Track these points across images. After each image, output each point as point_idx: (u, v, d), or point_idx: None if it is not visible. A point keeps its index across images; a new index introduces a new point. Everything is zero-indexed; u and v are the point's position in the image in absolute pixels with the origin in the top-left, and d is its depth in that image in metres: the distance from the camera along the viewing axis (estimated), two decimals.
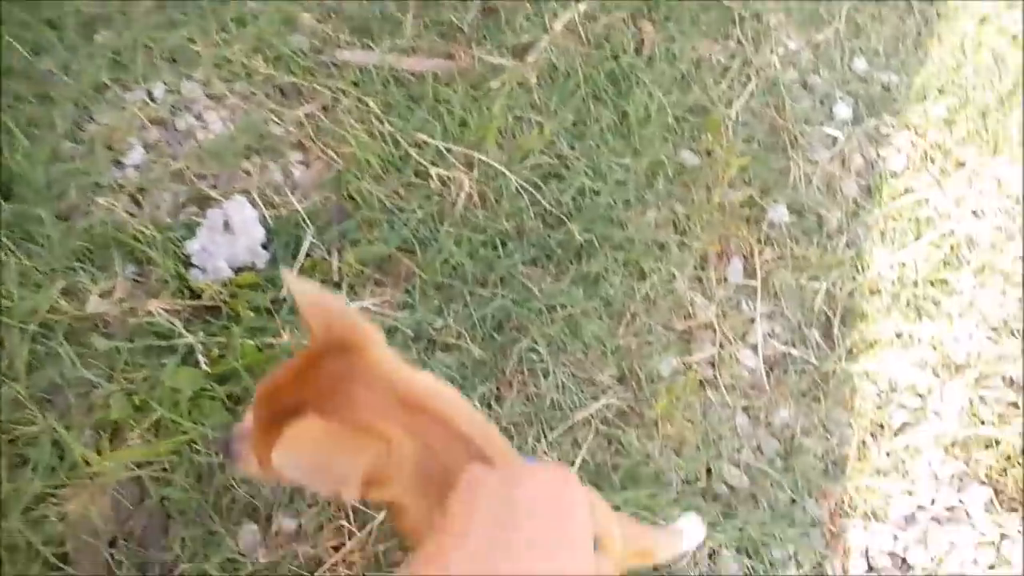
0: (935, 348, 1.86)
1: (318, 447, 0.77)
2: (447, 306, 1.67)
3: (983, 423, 1.76)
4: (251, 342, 1.52)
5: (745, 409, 1.70)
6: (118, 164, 1.73)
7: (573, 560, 0.60)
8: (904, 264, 1.99)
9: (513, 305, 1.68)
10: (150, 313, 1.53)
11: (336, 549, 1.43)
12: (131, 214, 1.65)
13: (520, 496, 0.63)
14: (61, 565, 1.37)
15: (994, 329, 1.91)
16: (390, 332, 1.61)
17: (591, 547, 0.64)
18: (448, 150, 1.83)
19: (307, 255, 1.67)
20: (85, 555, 1.39)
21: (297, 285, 0.85)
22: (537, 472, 0.67)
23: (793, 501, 1.61)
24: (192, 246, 1.61)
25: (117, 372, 1.48)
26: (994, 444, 1.74)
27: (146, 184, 1.70)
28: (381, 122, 1.84)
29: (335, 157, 1.81)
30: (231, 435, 0.97)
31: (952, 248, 2.04)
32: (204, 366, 1.49)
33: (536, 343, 1.66)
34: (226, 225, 1.63)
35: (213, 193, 1.72)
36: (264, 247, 1.66)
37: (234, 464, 0.97)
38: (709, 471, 1.61)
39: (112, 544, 1.42)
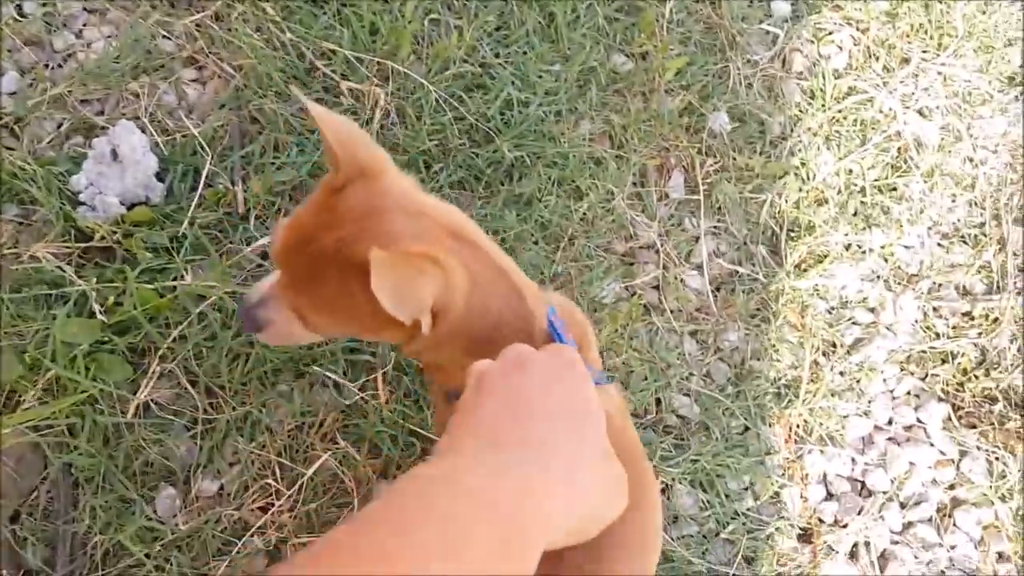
0: (886, 260, 1.89)
1: (397, 276, 0.76)
2: None
3: (938, 336, 1.81)
4: (149, 286, 1.44)
5: (693, 334, 1.71)
6: None
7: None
8: (851, 171, 2.01)
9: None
10: (36, 259, 1.43)
11: (264, 510, 1.40)
12: (9, 148, 1.51)
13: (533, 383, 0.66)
14: None
15: (945, 236, 1.95)
16: None
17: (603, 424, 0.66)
18: (359, 60, 1.73)
19: (207, 184, 1.57)
20: None
21: (318, 109, 0.82)
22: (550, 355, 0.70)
23: (746, 429, 1.64)
24: (78, 182, 1.50)
25: (3, 326, 1.38)
26: (950, 358, 1.80)
27: (23, 113, 1.57)
28: (282, 30, 1.72)
29: (232, 72, 1.69)
30: (249, 303, 0.93)
31: (899, 151, 2.05)
32: (100, 315, 1.40)
33: None
34: (114, 155, 1.52)
35: (99, 120, 1.60)
36: (159, 178, 1.55)
37: (262, 332, 0.95)
38: (659, 402, 1.62)
39: (15, 520, 1.36)
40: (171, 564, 1.35)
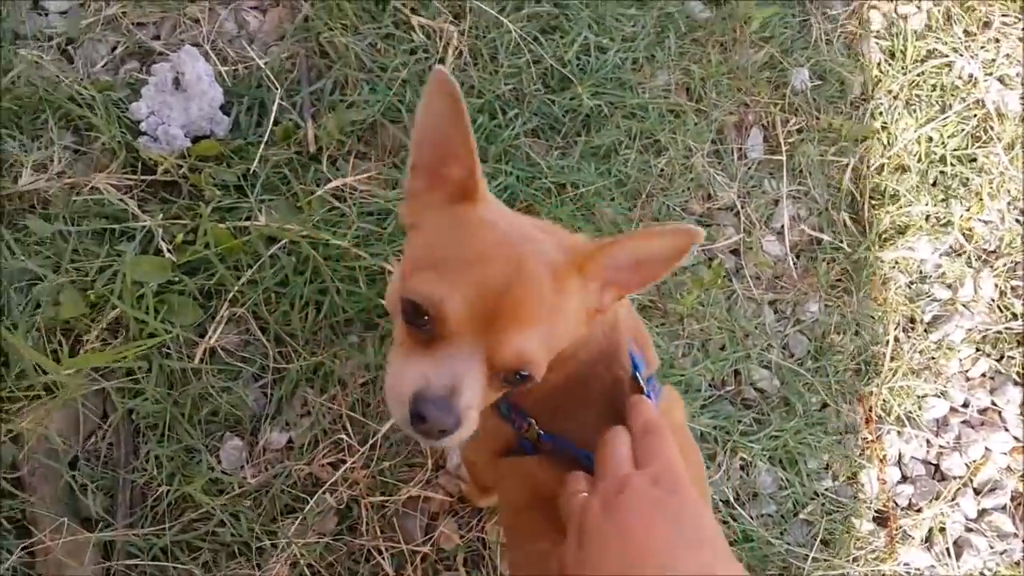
0: (965, 235, 1.98)
1: None
2: None
3: (1015, 316, 1.91)
4: (222, 225, 1.49)
5: (772, 303, 1.80)
6: (40, 10, 1.61)
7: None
8: (931, 139, 2.09)
9: (519, 183, 1.69)
10: (96, 190, 1.48)
11: (335, 467, 1.47)
12: (62, 71, 1.55)
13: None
14: (15, 491, 1.37)
15: None
16: (378, 216, 1.60)
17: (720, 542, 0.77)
18: None
19: (275, 121, 1.61)
20: (43, 479, 1.39)
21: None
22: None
23: (825, 406, 1.74)
24: (139, 110, 1.54)
25: (65, 261, 1.43)
26: None
27: (75, 34, 1.60)
28: None
29: (299, 1, 1.73)
30: (441, 394, 0.78)
31: (980, 120, 2.14)
32: (168, 254, 1.45)
33: None
34: (176, 83, 1.56)
35: (156, 45, 1.63)
36: (223, 111, 1.60)
37: (460, 428, 0.81)
38: (737, 374, 1.71)
39: (73, 466, 1.42)
40: (239, 519, 1.42)
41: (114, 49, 1.62)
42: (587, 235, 0.92)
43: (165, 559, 1.40)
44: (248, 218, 1.52)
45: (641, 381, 0.95)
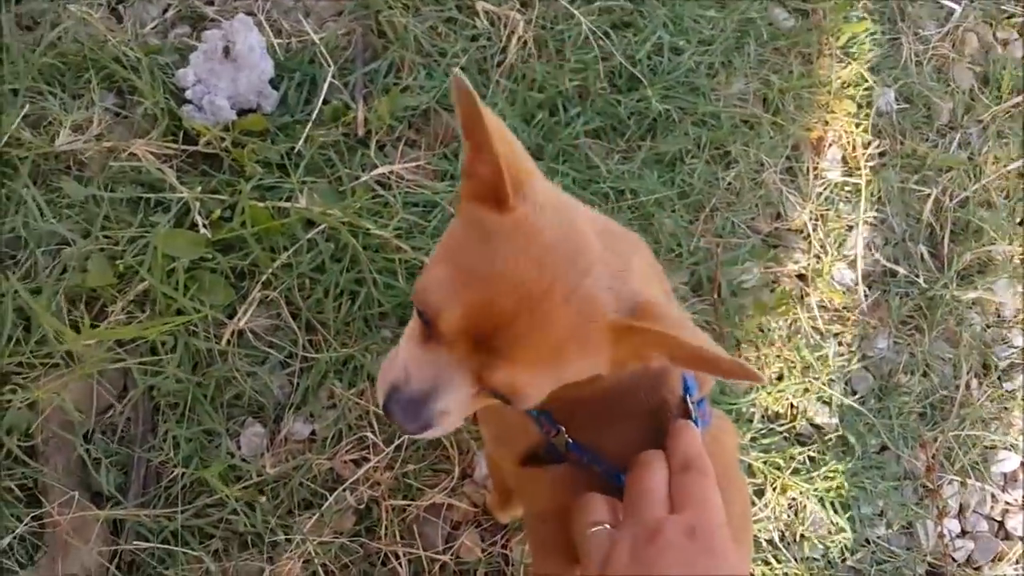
0: None
1: None
2: None
3: None
4: (260, 205, 1.49)
5: (837, 335, 1.74)
6: None
7: None
8: (1022, 175, 2.02)
9: (574, 185, 1.67)
10: (135, 156, 1.49)
11: (357, 464, 1.46)
12: (110, 30, 1.56)
13: None
14: (27, 459, 1.38)
15: None
16: (425, 206, 1.59)
17: None
18: None
19: (325, 100, 1.61)
20: (56, 450, 1.40)
21: (494, 121, 0.76)
22: None
23: (885, 449, 1.68)
24: (185, 76, 1.55)
25: (95, 228, 1.44)
26: None
27: None
28: None
29: None
30: (416, 394, 0.79)
31: None
32: (204, 230, 1.46)
33: None
34: (227, 52, 1.56)
35: (209, 11, 1.64)
36: (273, 86, 1.60)
37: (431, 430, 0.82)
38: (793, 407, 1.66)
39: (88, 439, 1.43)
40: (255, 509, 1.42)
41: (165, 11, 1.64)
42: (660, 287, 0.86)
43: (175, 543, 1.40)
44: (288, 199, 1.52)
45: (691, 404, 0.91)
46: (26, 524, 1.35)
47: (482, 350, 0.74)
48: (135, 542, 1.39)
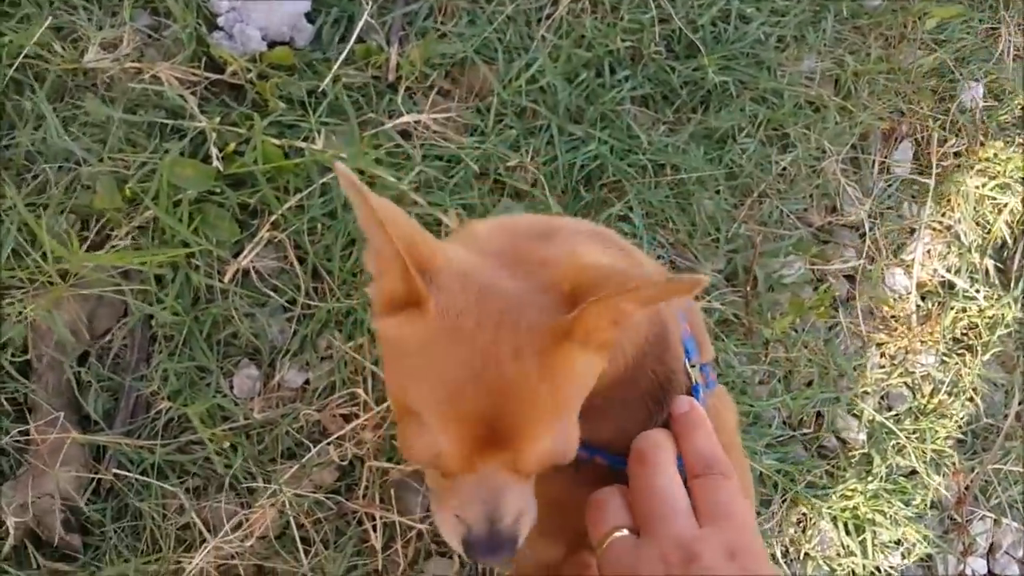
0: None
1: None
2: (526, 141, 1.58)
3: None
4: (276, 141, 1.45)
5: (880, 346, 1.64)
6: None
7: None
8: None
9: (611, 155, 1.59)
10: (157, 80, 1.46)
11: (346, 420, 1.42)
12: None
13: None
14: (18, 376, 1.38)
15: None
16: (449, 161, 1.53)
17: None
18: None
19: (359, 39, 1.56)
20: (49, 368, 1.40)
21: (379, 203, 0.67)
22: None
23: (914, 473, 1.57)
24: (219, 2, 1.52)
25: (107, 151, 1.43)
26: None
27: None
28: None
29: None
30: (504, 523, 0.75)
31: None
32: (216, 162, 1.42)
33: (631, 209, 1.58)
34: None
35: None
36: (308, 20, 1.55)
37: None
38: (819, 416, 1.56)
39: (82, 360, 1.43)
40: (237, 452, 1.40)
41: None
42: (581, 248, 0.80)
43: (154, 476, 1.39)
44: (307, 139, 1.47)
45: (694, 370, 0.87)
46: (11, 437, 1.36)
47: (497, 446, 0.70)
48: (116, 470, 1.39)
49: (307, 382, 1.46)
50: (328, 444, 1.42)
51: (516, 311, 0.69)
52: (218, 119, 1.47)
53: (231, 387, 1.44)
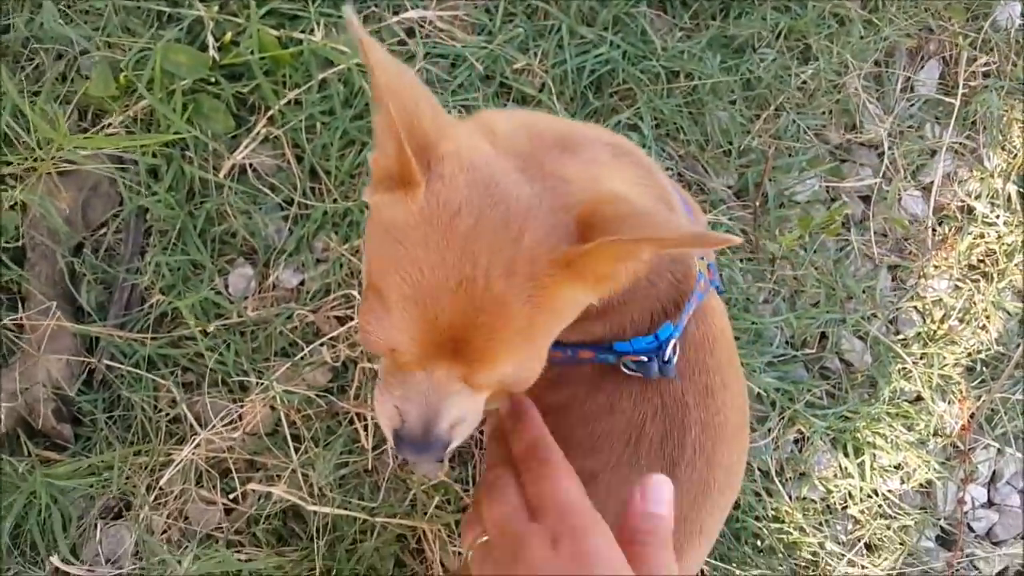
0: None
1: None
2: (535, 42, 1.52)
3: None
4: (274, 32, 1.40)
5: (892, 269, 1.58)
6: None
7: None
8: None
9: (623, 60, 1.52)
10: None
11: (341, 322, 1.40)
12: None
13: None
14: (11, 264, 1.37)
15: None
16: (453, 62, 1.48)
17: None
18: None
19: None
20: (42, 257, 1.39)
21: (378, 55, 0.64)
22: None
23: (919, 399, 1.54)
24: None
25: (107, 34, 1.39)
26: None
27: None
28: None
29: None
30: (434, 428, 0.73)
31: None
32: (213, 51, 1.38)
33: (641, 118, 1.52)
34: None
35: None
36: None
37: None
38: (823, 337, 1.53)
39: (77, 251, 1.41)
40: (228, 347, 1.38)
41: None
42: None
43: (148, 370, 1.38)
44: (305, 32, 1.42)
45: (702, 262, 0.85)
46: (2, 324, 1.35)
47: (456, 356, 0.68)
48: (108, 362, 1.38)
49: (302, 283, 1.43)
50: (321, 345, 1.40)
51: (521, 224, 0.65)
52: (216, 7, 1.42)
53: (226, 286, 1.42)
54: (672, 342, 0.83)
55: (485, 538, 0.70)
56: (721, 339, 0.89)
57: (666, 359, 0.83)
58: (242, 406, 1.38)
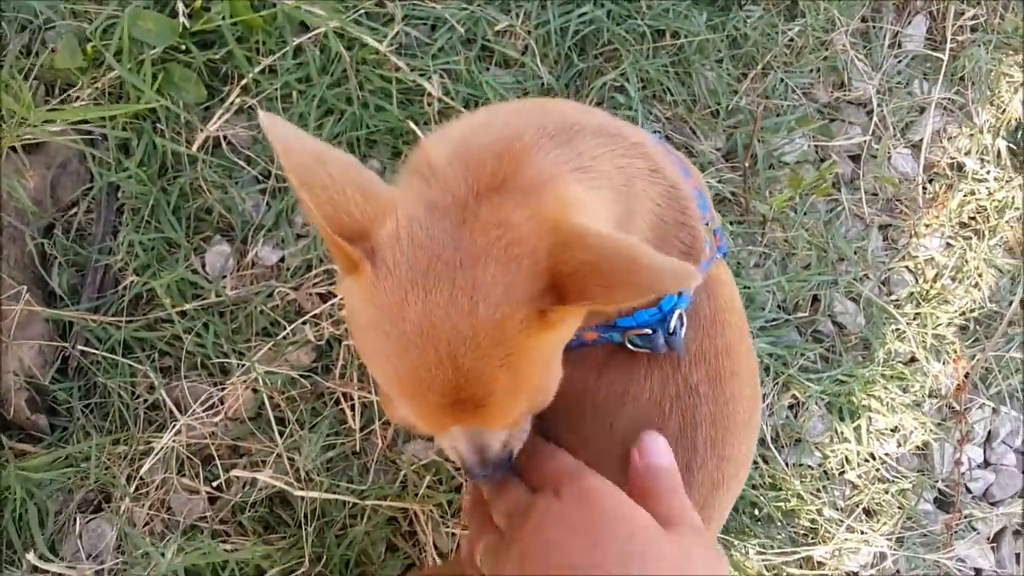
0: None
1: None
2: (517, 3, 1.46)
3: None
4: None
5: (883, 228, 1.55)
6: None
7: None
8: None
9: (607, 19, 1.47)
10: None
11: (323, 299, 1.35)
12: None
13: None
14: None
15: None
16: (434, 24, 1.42)
17: None
18: None
19: None
20: (11, 240, 1.32)
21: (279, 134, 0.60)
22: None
23: (914, 360, 1.51)
24: None
25: (71, 3, 1.31)
26: None
27: None
28: None
29: None
30: (498, 456, 0.73)
31: None
32: (183, 18, 1.31)
33: (627, 79, 1.46)
34: None
35: None
36: None
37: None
38: (815, 300, 1.49)
39: (48, 232, 1.34)
40: (207, 329, 1.32)
41: None
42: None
43: (124, 355, 1.32)
44: None
45: (706, 228, 0.80)
46: None
47: (466, 417, 0.65)
48: (83, 347, 1.31)
49: (282, 259, 1.37)
50: (304, 323, 1.34)
51: (472, 294, 0.60)
52: None
53: (203, 264, 1.36)
54: (677, 312, 0.78)
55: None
56: (731, 315, 0.84)
57: (671, 330, 0.78)
58: (223, 390, 1.32)
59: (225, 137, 1.36)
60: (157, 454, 1.27)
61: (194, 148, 1.34)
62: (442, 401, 0.62)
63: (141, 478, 1.28)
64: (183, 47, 1.32)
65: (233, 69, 1.36)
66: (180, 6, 1.31)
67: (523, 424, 0.73)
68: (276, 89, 1.35)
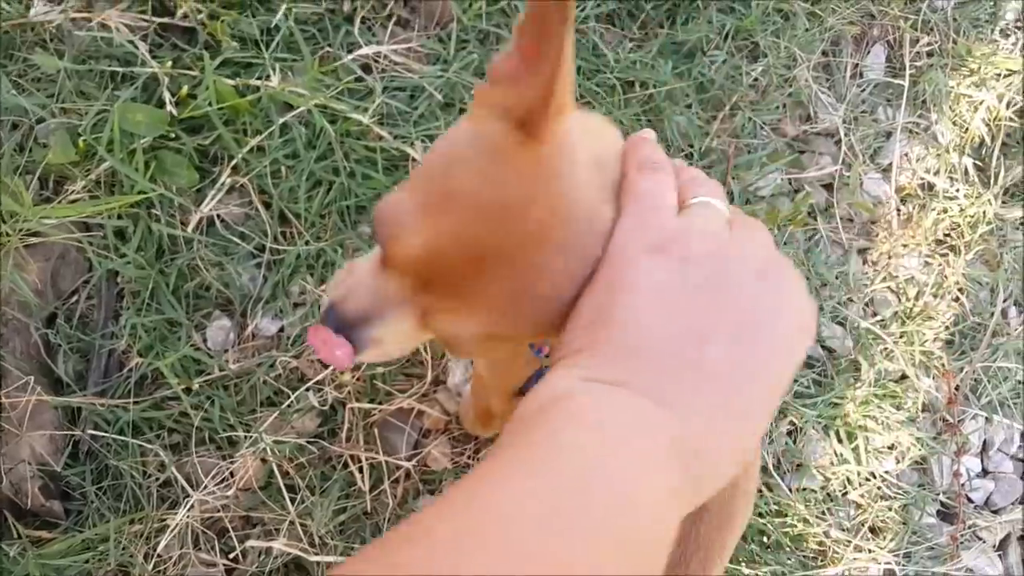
0: None
1: None
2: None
3: None
4: (230, 82, 1.37)
5: (862, 252, 1.58)
6: None
7: None
8: None
9: (578, 75, 1.50)
10: (106, 27, 1.37)
11: (324, 365, 1.36)
12: None
13: None
14: None
15: None
16: (412, 93, 1.45)
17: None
18: None
19: None
20: (15, 332, 1.33)
21: None
22: None
23: (904, 377, 1.52)
24: None
25: (62, 101, 1.35)
26: None
27: None
28: None
29: None
30: (348, 318, 0.65)
31: None
32: (170, 107, 1.34)
33: None
34: None
35: None
36: None
37: (361, 355, 0.67)
38: None
39: (50, 323, 1.36)
40: (213, 404, 1.34)
41: None
42: None
43: (134, 436, 1.33)
44: (261, 78, 1.39)
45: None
46: None
47: (434, 288, 0.60)
48: (91, 431, 1.32)
49: (282, 329, 1.39)
50: (307, 390, 1.35)
51: (598, 236, 0.58)
52: (170, 63, 1.38)
53: (204, 340, 1.38)
54: None
55: None
56: None
57: None
58: (233, 462, 1.33)
59: (219, 216, 1.39)
60: (172, 531, 1.28)
61: (189, 229, 1.37)
62: (464, 250, 0.57)
63: (159, 555, 1.28)
64: (172, 134, 1.35)
65: (223, 151, 1.39)
66: (167, 96, 1.35)
67: (396, 347, 0.66)
68: (265, 166, 1.38)
